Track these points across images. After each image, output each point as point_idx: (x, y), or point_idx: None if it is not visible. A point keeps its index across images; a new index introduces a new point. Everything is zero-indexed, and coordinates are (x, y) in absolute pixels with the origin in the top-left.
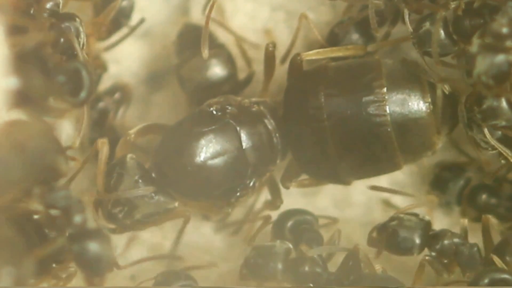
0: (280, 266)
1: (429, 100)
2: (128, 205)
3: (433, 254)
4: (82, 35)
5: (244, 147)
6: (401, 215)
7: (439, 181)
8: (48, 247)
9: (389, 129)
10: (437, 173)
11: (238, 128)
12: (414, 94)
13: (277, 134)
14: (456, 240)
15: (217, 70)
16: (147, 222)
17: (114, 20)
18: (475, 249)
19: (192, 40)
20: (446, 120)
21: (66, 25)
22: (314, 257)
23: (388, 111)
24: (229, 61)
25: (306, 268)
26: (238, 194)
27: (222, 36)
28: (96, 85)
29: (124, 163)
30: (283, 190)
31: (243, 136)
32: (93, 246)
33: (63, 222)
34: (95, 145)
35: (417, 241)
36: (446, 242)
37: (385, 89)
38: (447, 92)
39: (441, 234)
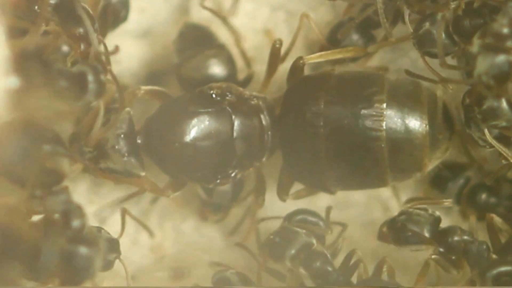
0: (293, 251)
1: (427, 121)
2: (98, 151)
3: (441, 250)
4: (93, 17)
5: (234, 136)
6: (410, 210)
7: (439, 180)
8: (49, 248)
9: (382, 145)
10: (436, 172)
11: (233, 117)
12: (413, 113)
13: (269, 132)
14: (465, 237)
15: (217, 70)
16: (107, 175)
17: (108, 18)
18: (484, 247)
19: (192, 39)
20: (441, 144)
21: (73, 12)
22: (327, 255)
23: (384, 127)
24: (229, 61)
25: (318, 264)
26: (218, 181)
27: (223, 36)
28: (104, 86)
29: (118, 113)
30: None
31: (236, 126)
32: (84, 252)
33: (61, 225)
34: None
35: (426, 235)
36: (455, 239)
37: (384, 105)
38: (449, 90)
39: (451, 231)
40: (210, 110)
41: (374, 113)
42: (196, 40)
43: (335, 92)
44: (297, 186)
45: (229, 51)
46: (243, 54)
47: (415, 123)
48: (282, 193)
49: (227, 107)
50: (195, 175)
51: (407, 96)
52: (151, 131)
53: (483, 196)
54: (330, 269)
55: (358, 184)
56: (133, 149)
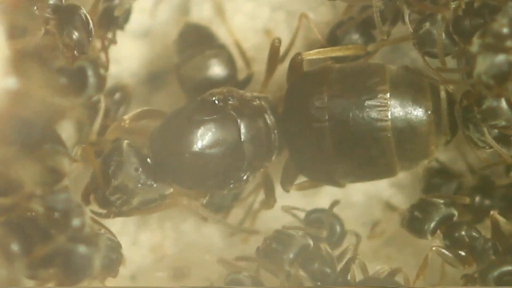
0: (291, 256)
1: (431, 108)
2: (127, 194)
3: (447, 243)
4: (91, 25)
5: (242, 140)
6: (428, 200)
7: (432, 187)
8: (47, 247)
9: (389, 135)
10: (428, 179)
11: (238, 121)
12: (416, 101)
13: (275, 131)
14: (471, 233)
15: (217, 70)
16: (144, 209)
17: (109, 19)
18: (489, 244)
19: (193, 39)
20: (446, 130)
21: (73, 21)
22: (326, 257)
23: (389, 117)
24: (229, 61)
25: (316, 265)
26: (231, 186)
27: (223, 37)
28: (104, 82)
29: (121, 150)
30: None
31: (243, 129)
32: (83, 251)
33: (61, 224)
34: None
35: (431, 225)
36: (461, 233)
37: (388, 95)
38: (450, 91)
39: (458, 225)
40: (215, 117)
41: (378, 103)
42: (196, 40)
43: (337, 86)
44: (300, 178)
45: (229, 51)
46: (243, 54)
47: (420, 111)
48: (286, 184)
49: (231, 112)
50: (208, 183)
51: (410, 85)
52: (159, 147)
53: (477, 198)
54: (328, 270)
55: (367, 175)
56: (155, 174)
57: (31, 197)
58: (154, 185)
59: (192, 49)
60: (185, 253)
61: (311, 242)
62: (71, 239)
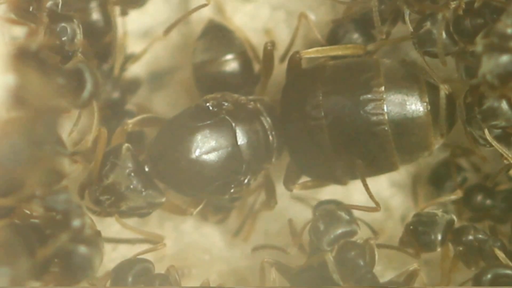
0: (332, 237)
1: (427, 100)
2: (116, 196)
3: (461, 249)
4: (78, 36)
5: (239, 143)
6: (422, 212)
7: (436, 178)
8: (49, 249)
9: (386, 128)
10: (434, 169)
11: (233, 124)
12: (412, 93)
13: (273, 132)
14: (479, 236)
15: (237, 76)
16: (132, 214)
17: None
18: (498, 244)
19: (216, 40)
20: (444, 121)
21: (62, 26)
22: (364, 250)
23: (385, 110)
24: (249, 67)
25: (352, 254)
26: (232, 190)
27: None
28: (99, 86)
29: (119, 152)
30: (284, 189)
31: (239, 133)
32: (83, 251)
33: (62, 225)
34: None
35: (438, 236)
36: (469, 238)
37: (383, 88)
38: (447, 92)
39: (464, 230)
40: (209, 122)
41: (374, 97)
42: (219, 41)
43: (332, 82)
44: (304, 178)
45: (249, 56)
46: (253, 50)
47: (416, 102)
48: (289, 183)
49: (226, 116)
50: (208, 189)
51: (405, 77)
52: (156, 156)
53: (479, 197)
54: (361, 263)
55: (368, 171)
56: (147, 181)
57: (31, 198)
58: (144, 193)
59: (214, 50)
60: (185, 253)
61: (358, 230)
62: (72, 240)
